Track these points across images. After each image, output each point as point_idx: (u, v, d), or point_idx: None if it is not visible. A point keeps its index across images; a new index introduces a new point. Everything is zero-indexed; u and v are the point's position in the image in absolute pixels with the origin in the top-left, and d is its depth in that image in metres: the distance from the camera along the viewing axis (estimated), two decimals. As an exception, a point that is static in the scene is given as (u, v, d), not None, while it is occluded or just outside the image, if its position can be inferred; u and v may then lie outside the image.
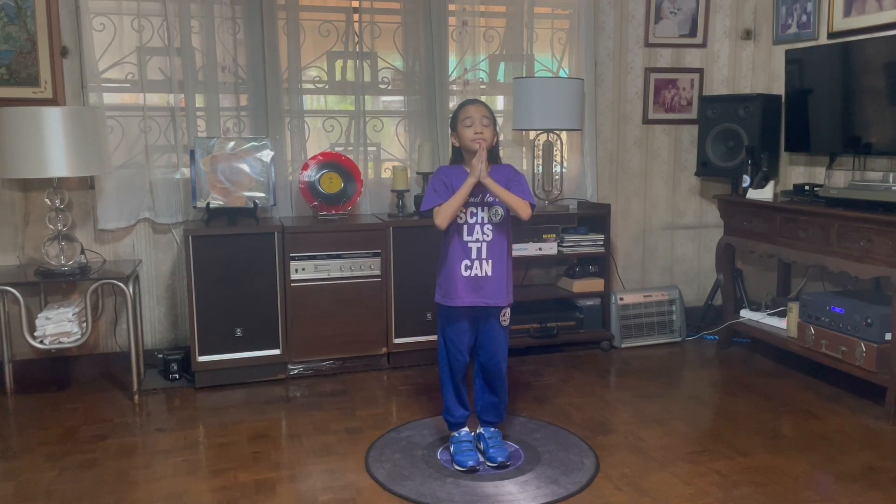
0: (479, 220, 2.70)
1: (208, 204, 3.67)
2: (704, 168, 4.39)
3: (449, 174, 2.71)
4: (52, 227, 3.48)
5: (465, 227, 2.70)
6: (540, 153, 4.20)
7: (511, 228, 2.79)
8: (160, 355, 3.78)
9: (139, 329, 3.71)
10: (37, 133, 3.22)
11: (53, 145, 3.24)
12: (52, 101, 3.60)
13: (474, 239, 2.70)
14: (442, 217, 2.63)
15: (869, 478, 2.68)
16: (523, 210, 2.65)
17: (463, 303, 2.70)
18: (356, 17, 4.01)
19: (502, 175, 2.69)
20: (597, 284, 4.20)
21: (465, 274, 2.70)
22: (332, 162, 3.92)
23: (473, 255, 2.70)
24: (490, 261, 2.70)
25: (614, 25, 4.43)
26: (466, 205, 2.69)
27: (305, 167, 3.88)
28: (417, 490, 2.58)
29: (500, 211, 2.70)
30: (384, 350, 3.84)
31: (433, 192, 2.69)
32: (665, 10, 4.48)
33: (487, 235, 2.70)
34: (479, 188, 2.67)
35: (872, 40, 3.57)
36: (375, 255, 3.75)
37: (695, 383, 3.74)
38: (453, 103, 4.11)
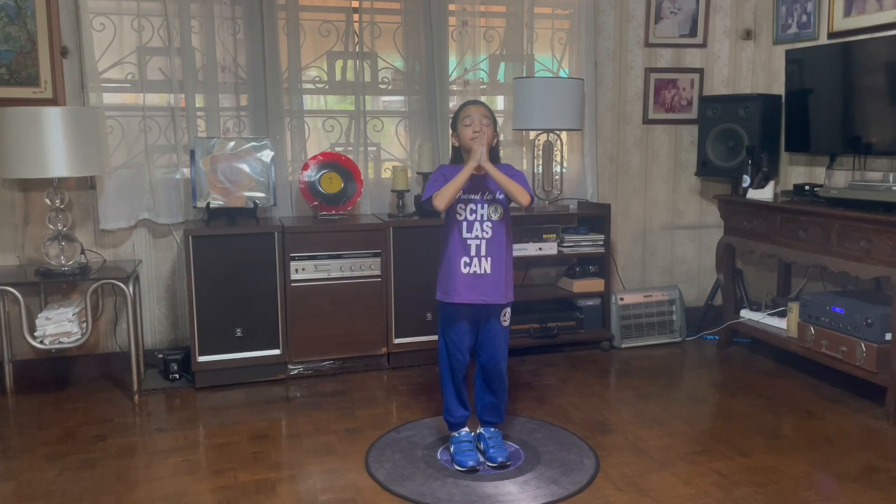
0: (479, 217, 2.70)
1: (208, 204, 3.67)
2: (704, 168, 4.39)
3: (449, 171, 2.71)
4: (52, 227, 3.48)
5: (465, 223, 2.70)
6: (540, 153, 4.20)
7: (511, 227, 2.79)
8: (160, 355, 3.78)
9: (139, 329, 3.71)
10: (37, 133, 3.22)
11: (53, 145, 3.24)
12: (52, 102, 3.60)
13: (473, 236, 2.70)
14: (441, 198, 2.61)
15: (869, 478, 2.68)
16: (522, 196, 2.64)
17: (462, 300, 2.70)
18: (356, 17, 4.01)
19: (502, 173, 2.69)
20: (597, 284, 4.20)
21: (465, 271, 2.70)
22: (332, 162, 3.92)
23: (472, 253, 2.70)
24: (489, 258, 2.70)
25: (614, 25, 4.43)
26: (466, 201, 2.70)
27: (305, 167, 3.88)
28: (417, 490, 2.58)
29: (500, 208, 2.70)
30: (384, 350, 3.84)
31: (433, 183, 2.69)
32: (665, 10, 4.48)
33: (487, 233, 2.70)
34: (479, 185, 2.68)
35: (872, 40, 3.57)
36: (375, 255, 3.75)
37: (695, 383, 3.74)
38: (453, 103, 4.12)
